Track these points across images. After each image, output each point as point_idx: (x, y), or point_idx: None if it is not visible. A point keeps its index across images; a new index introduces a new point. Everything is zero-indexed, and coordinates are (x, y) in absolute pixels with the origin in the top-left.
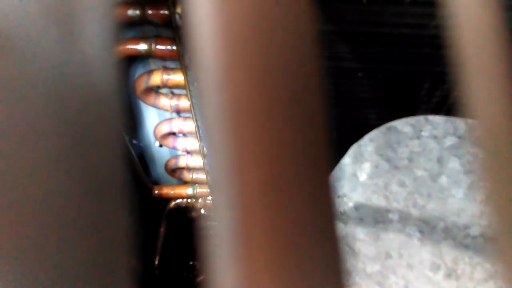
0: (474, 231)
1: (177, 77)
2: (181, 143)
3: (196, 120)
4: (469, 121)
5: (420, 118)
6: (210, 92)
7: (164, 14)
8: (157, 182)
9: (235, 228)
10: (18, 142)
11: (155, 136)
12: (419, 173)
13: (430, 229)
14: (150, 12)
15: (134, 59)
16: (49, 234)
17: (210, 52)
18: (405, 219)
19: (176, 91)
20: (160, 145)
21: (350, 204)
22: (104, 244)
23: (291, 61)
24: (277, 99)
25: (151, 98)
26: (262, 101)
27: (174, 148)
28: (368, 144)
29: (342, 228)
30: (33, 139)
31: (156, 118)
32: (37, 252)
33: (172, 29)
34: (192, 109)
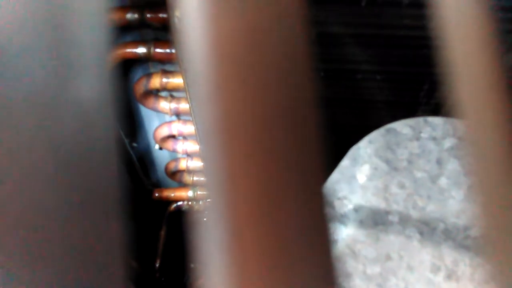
0: (474, 232)
1: (176, 80)
2: (181, 146)
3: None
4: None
5: (419, 120)
6: (203, 104)
7: (163, 17)
8: (157, 185)
9: (227, 239)
10: (15, 151)
11: (155, 139)
12: (419, 174)
13: (430, 230)
14: (148, 15)
15: (133, 62)
16: (46, 240)
17: (202, 65)
18: (405, 220)
19: (175, 94)
20: (160, 148)
21: (350, 206)
22: (103, 248)
23: (284, 72)
24: (269, 110)
25: (151, 101)
26: (253, 113)
27: (174, 151)
28: (367, 146)
29: (342, 230)
30: (29, 148)
31: (156, 121)
32: (36, 257)
33: (171, 32)
34: (191, 111)
